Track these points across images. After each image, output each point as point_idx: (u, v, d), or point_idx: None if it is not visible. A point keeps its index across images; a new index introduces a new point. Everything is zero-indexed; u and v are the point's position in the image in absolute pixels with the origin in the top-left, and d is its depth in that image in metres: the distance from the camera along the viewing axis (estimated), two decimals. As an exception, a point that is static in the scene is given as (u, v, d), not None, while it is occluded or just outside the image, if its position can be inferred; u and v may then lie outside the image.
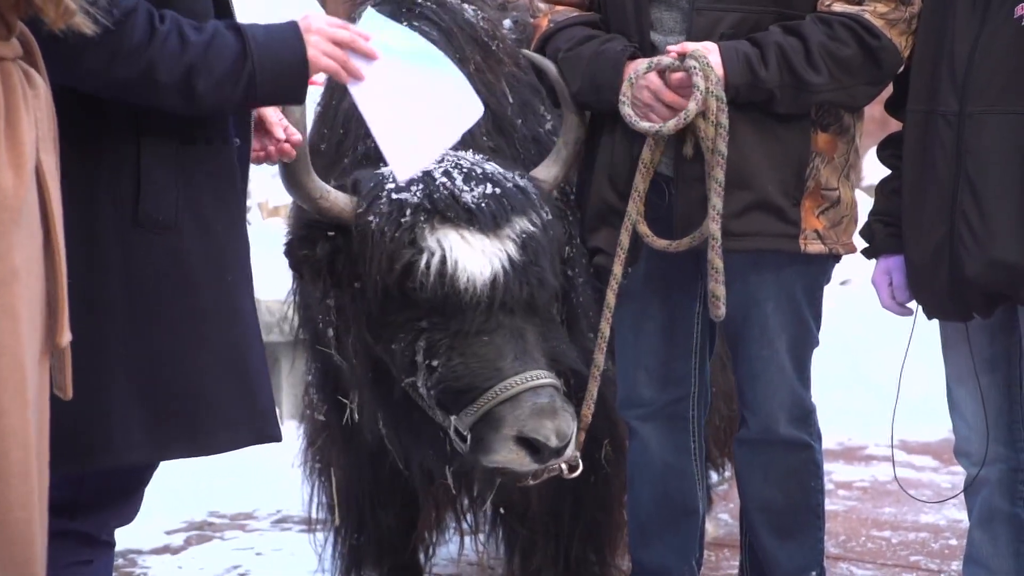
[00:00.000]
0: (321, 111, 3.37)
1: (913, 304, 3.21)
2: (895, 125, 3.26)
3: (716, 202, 3.04)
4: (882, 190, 3.25)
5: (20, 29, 2.08)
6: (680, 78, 3.05)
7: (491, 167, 2.98)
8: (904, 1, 3.12)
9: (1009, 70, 2.95)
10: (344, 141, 3.14)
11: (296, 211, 3.26)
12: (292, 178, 2.85)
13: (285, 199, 4.92)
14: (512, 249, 2.86)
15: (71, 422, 2.28)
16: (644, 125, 3.07)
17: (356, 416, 3.20)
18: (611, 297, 3.16)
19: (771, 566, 3.45)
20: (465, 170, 2.92)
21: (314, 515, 3.90)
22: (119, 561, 4.30)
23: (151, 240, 2.36)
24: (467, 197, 2.86)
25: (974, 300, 3.03)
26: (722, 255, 3.05)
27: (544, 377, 2.82)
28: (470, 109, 2.67)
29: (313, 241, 2.91)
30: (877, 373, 5.83)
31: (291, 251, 2.95)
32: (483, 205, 2.86)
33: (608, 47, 3.19)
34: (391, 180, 2.87)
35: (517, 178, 3.00)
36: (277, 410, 2.68)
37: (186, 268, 2.40)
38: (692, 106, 3.01)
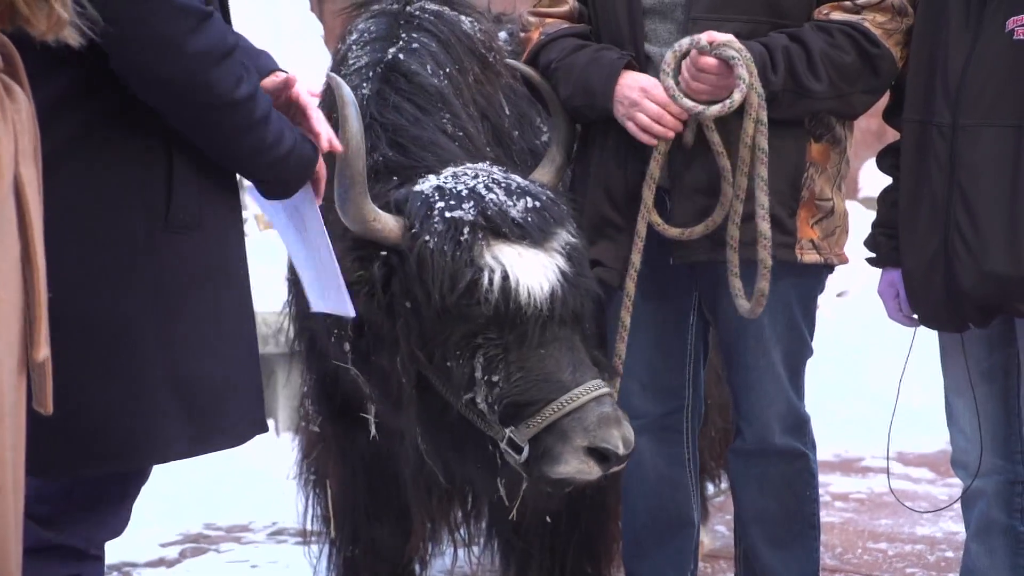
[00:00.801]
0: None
1: (917, 317, 3.20)
2: (892, 136, 3.27)
3: (763, 200, 3.03)
4: (884, 201, 3.25)
5: (2, 42, 2.07)
6: (713, 64, 3.01)
7: (521, 179, 2.97)
8: (901, 12, 3.14)
9: (1001, 83, 2.95)
10: None
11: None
12: (351, 201, 2.81)
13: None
14: (561, 262, 2.87)
15: (111, 422, 2.32)
16: (688, 103, 3.03)
17: (375, 430, 3.18)
18: (625, 317, 3.17)
19: (767, 578, 3.45)
20: (503, 184, 2.91)
21: (309, 527, 3.89)
22: (114, 574, 4.29)
23: (180, 240, 2.40)
24: (513, 212, 2.86)
25: (969, 311, 3.03)
26: (772, 253, 3.05)
27: (603, 386, 2.84)
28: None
29: (369, 261, 2.87)
30: (874, 384, 5.84)
31: (343, 272, 2.84)
32: (529, 219, 2.86)
33: (604, 54, 3.19)
34: (438, 198, 2.86)
35: (547, 190, 3.01)
36: (272, 422, 2.71)
37: (209, 266, 2.44)
38: (737, 96, 2.99)
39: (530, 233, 2.84)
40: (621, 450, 2.79)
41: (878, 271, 3.30)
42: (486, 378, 2.81)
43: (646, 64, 3.18)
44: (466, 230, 2.81)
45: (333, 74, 2.92)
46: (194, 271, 2.41)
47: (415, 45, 3.20)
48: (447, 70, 3.21)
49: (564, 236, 2.91)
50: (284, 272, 3.53)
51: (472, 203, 2.84)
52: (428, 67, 3.18)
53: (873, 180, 3.32)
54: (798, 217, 3.19)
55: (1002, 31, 2.95)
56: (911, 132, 3.09)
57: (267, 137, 2.41)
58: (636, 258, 3.16)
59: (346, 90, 2.80)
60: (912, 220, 3.09)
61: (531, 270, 2.82)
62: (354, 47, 3.27)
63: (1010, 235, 2.93)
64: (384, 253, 2.85)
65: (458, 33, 3.29)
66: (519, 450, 2.81)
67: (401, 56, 3.18)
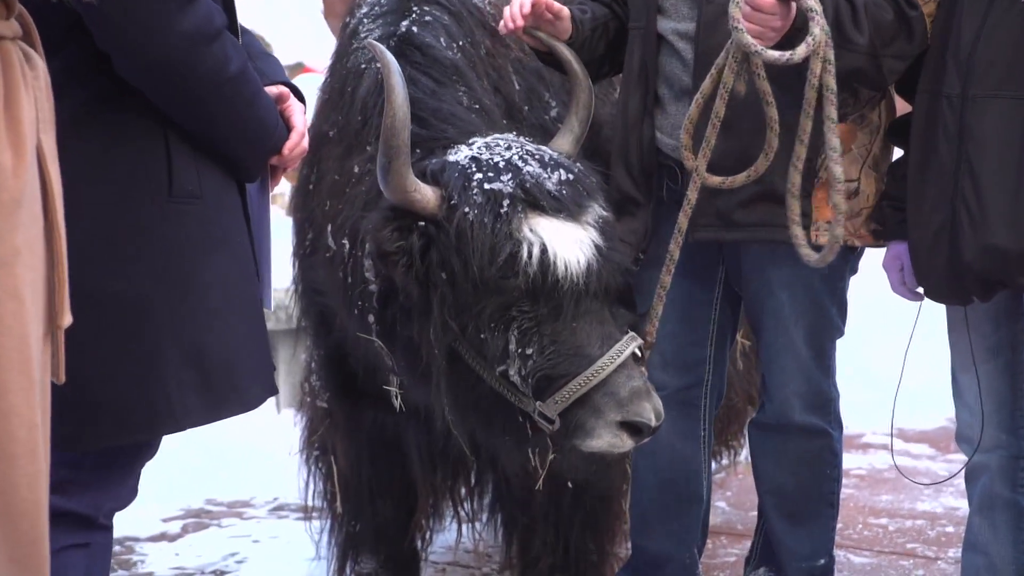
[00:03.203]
0: (328, 97, 3.33)
1: (922, 290, 3.20)
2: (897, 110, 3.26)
3: (835, 142, 2.95)
4: (893, 174, 3.24)
5: (19, 10, 2.06)
6: (770, 3, 2.89)
7: (551, 151, 2.95)
8: None
9: (1012, 55, 2.94)
10: (363, 128, 3.09)
11: (352, 201, 3.09)
12: (394, 172, 2.78)
13: (283, 187, 4.90)
14: (595, 235, 2.86)
15: (129, 395, 2.36)
16: (774, 54, 2.90)
17: (399, 402, 3.18)
18: (675, 250, 3.10)
19: (780, 550, 3.47)
20: (537, 156, 2.89)
21: (311, 503, 3.90)
22: (116, 548, 4.29)
23: (183, 210, 2.42)
24: (549, 185, 2.83)
25: (971, 284, 3.03)
26: (845, 194, 3.00)
27: (625, 346, 2.82)
28: None
29: (408, 231, 2.84)
30: (875, 362, 5.82)
31: (383, 242, 2.84)
32: (564, 192, 2.84)
33: None
34: (475, 169, 2.84)
35: (576, 162, 2.98)
36: (273, 399, 2.74)
37: (212, 234, 2.46)
38: (818, 31, 2.87)
39: (566, 206, 2.82)
40: (653, 422, 2.80)
41: (881, 249, 3.30)
42: (520, 351, 2.80)
43: (659, 42, 3.18)
44: (505, 203, 2.79)
45: (375, 42, 2.89)
46: (199, 240, 2.44)
47: (428, 18, 3.18)
48: (460, 43, 3.19)
49: (597, 209, 2.89)
50: (289, 248, 3.52)
51: (510, 175, 2.82)
52: (442, 40, 3.15)
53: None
54: (814, 198, 3.16)
55: (1017, 2, 2.93)
56: (922, 103, 3.08)
57: (251, 120, 2.45)
58: (693, 195, 3.06)
59: (391, 59, 2.77)
60: (919, 192, 3.08)
61: (568, 244, 2.81)
62: (365, 20, 3.24)
63: (1014, 208, 2.93)
64: (422, 224, 2.82)
65: (468, 6, 3.27)
66: (550, 423, 2.81)
67: (415, 29, 3.16)
